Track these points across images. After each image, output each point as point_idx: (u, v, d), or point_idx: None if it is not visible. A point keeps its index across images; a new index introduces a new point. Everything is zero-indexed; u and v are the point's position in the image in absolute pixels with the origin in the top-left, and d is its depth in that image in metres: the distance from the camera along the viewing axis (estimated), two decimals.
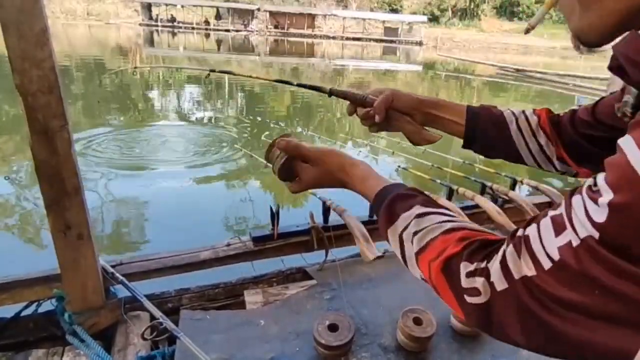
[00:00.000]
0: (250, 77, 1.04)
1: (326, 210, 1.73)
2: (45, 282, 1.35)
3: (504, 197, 1.99)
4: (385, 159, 4.40)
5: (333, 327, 1.25)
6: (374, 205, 0.61)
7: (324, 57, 23.72)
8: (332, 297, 1.52)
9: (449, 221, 0.51)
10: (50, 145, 1.12)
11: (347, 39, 38.00)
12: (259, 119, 7.23)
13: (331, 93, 0.85)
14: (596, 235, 0.32)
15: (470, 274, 0.43)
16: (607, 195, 0.32)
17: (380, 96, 0.79)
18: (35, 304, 1.39)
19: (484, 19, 44.83)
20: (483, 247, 0.45)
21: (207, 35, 33.44)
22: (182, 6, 37.52)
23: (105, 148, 5.12)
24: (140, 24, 35.98)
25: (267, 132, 5.29)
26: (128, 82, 10.21)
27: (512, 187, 2.07)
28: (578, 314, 0.34)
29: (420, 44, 38.08)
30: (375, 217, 1.78)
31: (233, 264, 1.65)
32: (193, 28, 36.82)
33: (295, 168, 0.70)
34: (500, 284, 0.40)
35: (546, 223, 0.38)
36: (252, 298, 1.52)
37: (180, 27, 36.57)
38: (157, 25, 36.33)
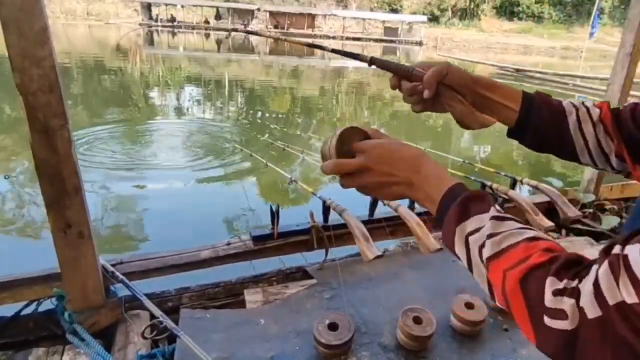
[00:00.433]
0: (279, 39, 0.95)
1: (326, 209, 1.73)
2: (45, 281, 1.35)
3: (504, 196, 1.99)
4: None
5: (333, 326, 1.25)
6: (442, 201, 0.54)
7: (324, 57, 23.70)
8: (332, 296, 1.52)
9: (529, 229, 0.46)
10: (50, 144, 1.12)
11: (347, 39, 37.98)
12: (259, 119, 7.24)
13: (372, 62, 0.76)
14: None
15: (558, 292, 0.38)
16: None
17: (431, 69, 0.70)
18: (36, 303, 1.39)
19: (483, 19, 44.81)
20: (572, 263, 0.40)
21: (207, 36, 33.43)
22: (182, 6, 37.51)
23: (105, 146, 5.13)
24: (140, 24, 35.96)
25: (267, 132, 5.29)
26: (128, 81, 10.20)
27: (512, 187, 2.07)
28: None
29: (420, 44, 38.06)
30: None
31: (233, 263, 1.66)
32: (193, 28, 36.80)
33: (356, 146, 0.61)
34: (592, 311, 0.35)
35: None
36: (252, 297, 1.52)
37: (180, 27, 36.55)
38: (157, 25, 36.32)
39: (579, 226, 2.21)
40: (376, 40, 38.13)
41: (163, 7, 37.97)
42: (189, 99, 9.54)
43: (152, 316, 1.30)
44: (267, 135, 5.76)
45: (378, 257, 1.47)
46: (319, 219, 1.73)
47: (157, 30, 34.13)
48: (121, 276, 1.39)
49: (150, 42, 26.54)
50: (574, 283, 0.37)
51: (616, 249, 0.37)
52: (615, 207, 2.36)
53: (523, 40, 39.59)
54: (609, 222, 2.18)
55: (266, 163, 2.54)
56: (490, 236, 0.46)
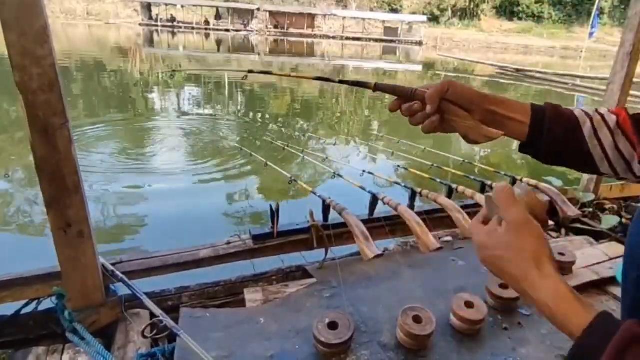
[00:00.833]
0: (290, 76, 0.95)
1: (326, 208, 1.74)
2: (45, 280, 1.35)
3: None
4: (385, 159, 4.39)
5: (333, 325, 1.25)
6: (581, 343, 0.45)
7: (324, 57, 23.72)
8: (332, 295, 1.52)
9: None
10: (50, 143, 1.12)
11: (347, 38, 37.99)
12: (259, 118, 7.24)
13: (376, 88, 0.76)
14: None
15: None
16: None
17: (433, 85, 0.70)
18: (36, 301, 1.39)
19: (483, 18, 44.81)
20: None
21: (207, 36, 33.43)
22: (182, 6, 37.51)
23: (104, 144, 5.13)
24: (140, 24, 35.97)
25: (267, 132, 5.29)
26: (128, 81, 10.20)
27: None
28: None
29: (420, 43, 38.07)
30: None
31: (233, 262, 1.66)
32: (193, 28, 36.81)
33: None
34: None
35: None
36: (252, 296, 1.52)
37: (180, 27, 36.56)
38: (157, 25, 36.32)
39: (579, 225, 2.21)
40: (376, 40, 38.14)
41: (163, 7, 37.97)
42: (188, 98, 9.54)
43: (152, 315, 1.30)
44: (267, 134, 5.77)
45: (378, 256, 1.47)
46: (318, 218, 1.74)
47: (157, 30, 34.12)
48: (121, 275, 1.39)
49: (150, 42, 26.54)
50: None
51: None
52: (614, 206, 2.36)
53: (523, 40, 39.61)
54: (609, 221, 2.18)
55: (266, 162, 2.54)
56: None
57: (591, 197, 2.36)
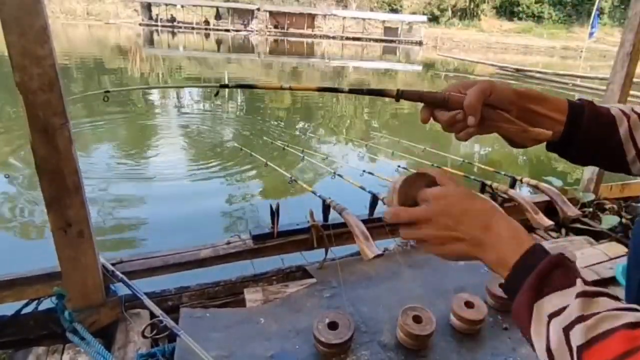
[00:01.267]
0: (282, 88, 0.74)
1: (326, 208, 1.74)
2: (46, 280, 1.35)
3: (504, 195, 1.99)
4: (385, 159, 4.39)
5: (333, 325, 1.25)
6: (515, 268, 0.47)
7: (324, 57, 23.73)
8: (332, 295, 1.52)
9: (627, 309, 0.39)
10: (50, 143, 1.12)
11: (347, 38, 37.99)
12: (259, 118, 7.24)
13: (400, 96, 0.65)
14: None
15: None
16: None
17: (471, 90, 0.61)
18: (36, 301, 1.39)
19: (483, 18, 44.82)
20: None
21: (207, 35, 33.43)
22: (182, 6, 37.51)
23: (102, 143, 5.13)
24: (140, 24, 35.97)
25: (267, 132, 5.29)
26: (127, 80, 10.20)
27: (512, 186, 2.07)
28: None
29: (420, 43, 38.08)
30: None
31: (233, 262, 1.66)
32: (193, 28, 36.81)
33: (419, 195, 0.57)
34: None
35: None
36: (252, 296, 1.52)
37: (180, 27, 36.56)
38: (157, 25, 36.32)
39: (579, 225, 2.21)
40: (376, 40, 38.15)
41: (163, 7, 37.97)
42: (188, 98, 9.54)
43: (152, 315, 1.30)
44: (267, 134, 5.77)
45: (378, 256, 1.47)
46: (319, 218, 1.74)
47: (157, 30, 34.13)
48: (121, 275, 1.39)
49: (150, 42, 26.54)
50: None
51: None
52: (614, 206, 2.36)
53: (523, 40, 39.62)
54: (609, 221, 2.18)
55: (266, 162, 2.54)
56: (580, 319, 0.39)
57: (591, 197, 2.36)
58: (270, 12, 39.42)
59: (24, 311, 1.39)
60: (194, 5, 38.00)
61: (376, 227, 1.77)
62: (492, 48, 36.69)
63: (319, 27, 40.25)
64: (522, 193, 2.59)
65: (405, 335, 1.26)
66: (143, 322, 1.36)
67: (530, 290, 0.45)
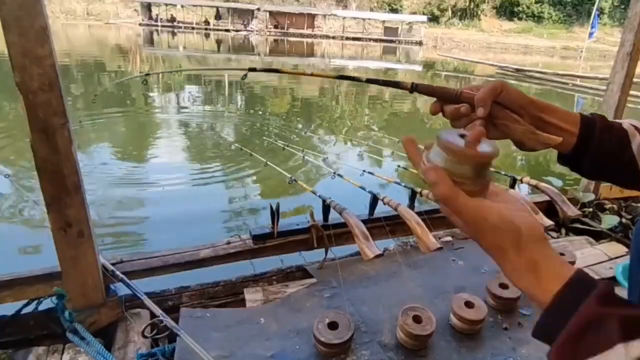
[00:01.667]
0: (304, 73, 0.81)
1: (326, 208, 1.74)
2: (46, 280, 1.35)
3: None
4: (385, 159, 4.39)
5: (333, 325, 1.25)
6: (548, 312, 0.41)
7: (324, 57, 23.72)
8: (332, 295, 1.52)
9: None
10: (50, 143, 1.12)
11: (347, 38, 37.98)
12: (259, 118, 7.24)
13: (414, 89, 0.68)
14: None
15: None
16: None
17: (484, 87, 0.63)
18: (36, 301, 1.39)
19: (483, 18, 44.81)
20: None
21: (207, 35, 33.43)
22: (182, 6, 37.51)
23: (101, 143, 5.13)
24: (140, 24, 35.97)
25: (267, 132, 5.29)
26: (127, 81, 10.20)
27: (512, 186, 2.07)
28: None
29: (420, 43, 38.07)
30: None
31: (233, 262, 1.66)
32: (193, 28, 36.82)
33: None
34: None
35: None
36: (252, 296, 1.53)
37: (180, 27, 36.56)
38: (157, 25, 36.32)
39: (579, 225, 2.21)
40: (376, 40, 38.14)
41: (163, 7, 37.97)
42: (188, 98, 9.54)
43: (153, 315, 1.30)
44: (267, 134, 5.77)
45: (378, 256, 1.47)
46: (318, 217, 1.74)
47: (157, 30, 34.13)
48: (121, 275, 1.39)
49: (150, 42, 26.54)
50: None
51: None
52: (614, 206, 2.36)
53: (523, 40, 39.64)
54: (609, 221, 2.18)
55: (266, 162, 2.54)
56: None
57: (591, 197, 2.36)
58: (270, 12, 39.41)
59: (24, 311, 1.39)
60: (194, 5, 37.99)
61: (376, 227, 1.78)
62: (492, 48, 36.69)
63: (319, 27, 40.24)
64: (523, 193, 2.59)
65: (405, 335, 1.26)
66: (143, 322, 1.36)
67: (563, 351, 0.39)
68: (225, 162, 4.85)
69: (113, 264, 1.44)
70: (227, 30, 36.87)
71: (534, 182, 2.10)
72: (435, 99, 0.67)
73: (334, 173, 2.14)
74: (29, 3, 0.99)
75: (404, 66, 22.07)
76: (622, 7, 40.05)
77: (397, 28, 39.95)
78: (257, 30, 37.99)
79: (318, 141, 5.99)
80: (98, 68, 13.54)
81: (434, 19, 43.11)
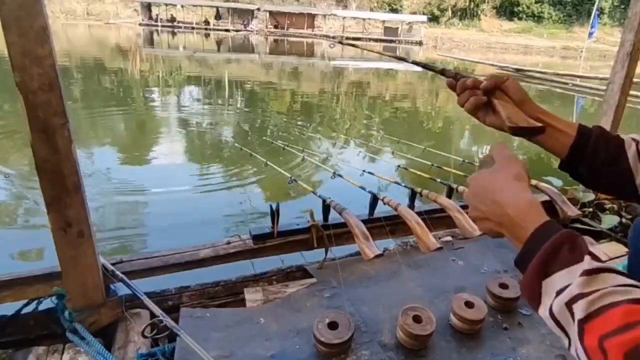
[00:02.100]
0: (372, 51, 1.17)
1: (326, 208, 1.73)
2: (46, 280, 1.35)
3: None
4: (385, 159, 4.39)
5: (333, 325, 1.25)
6: (525, 246, 0.49)
7: (324, 57, 23.71)
8: (332, 295, 1.52)
9: (633, 286, 0.40)
10: (50, 143, 1.12)
11: (347, 38, 37.95)
12: (259, 118, 7.24)
13: (443, 73, 0.82)
14: None
15: None
16: None
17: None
18: (36, 301, 1.39)
19: (483, 18, 44.79)
20: None
21: (207, 35, 33.42)
22: (182, 6, 37.50)
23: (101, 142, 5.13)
24: (140, 24, 35.95)
25: (267, 132, 5.29)
26: (127, 81, 10.20)
27: None
28: None
29: (420, 43, 38.05)
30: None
31: (233, 262, 1.66)
32: (193, 28, 36.80)
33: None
34: None
35: None
36: (252, 296, 1.53)
37: (180, 27, 36.55)
38: (157, 25, 36.31)
39: (579, 225, 2.21)
40: (376, 40, 38.11)
41: (163, 7, 37.95)
42: (188, 99, 9.54)
43: (152, 315, 1.30)
44: (267, 134, 5.77)
45: (378, 256, 1.47)
46: (319, 217, 1.73)
47: (157, 30, 34.11)
48: (121, 275, 1.39)
49: (150, 42, 26.53)
50: None
51: None
52: (614, 206, 2.36)
53: (523, 40, 39.62)
54: (609, 221, 2.18)
55: (266, 162, 2.54)
56: (582, 295, 0.40)
57: (591, 197, 2.36)
58: (270, 12, 39.39)
59: (24, 311, 1.39)
60: (194, 5, 37.97)
61: (376, 227, 1.77)
62: (492, 48, 36.67)
63: (319, 27, 40.22)
64: None
65: (405, 335, 1.26)
66: (143, 322, 1.36)
67: (536, 269, 0.46)
68: (225, 163, 4.85)
69: (113, 264, 1.44)
70: (227, 30, 36.84)
71: (533, 181, 2.10)
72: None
73: (334, 173, 2.14)
74: (29, 3, 0.99)
75: (404, 66, 22.05)
76: (622, 7, 40.03)
77: (397, 28, 39.92)
78: (257, 30, 37.97)
79: (318, 141, 6.00)
80: (98, 68, 13.54)
81: (434, 19, 43.08)
